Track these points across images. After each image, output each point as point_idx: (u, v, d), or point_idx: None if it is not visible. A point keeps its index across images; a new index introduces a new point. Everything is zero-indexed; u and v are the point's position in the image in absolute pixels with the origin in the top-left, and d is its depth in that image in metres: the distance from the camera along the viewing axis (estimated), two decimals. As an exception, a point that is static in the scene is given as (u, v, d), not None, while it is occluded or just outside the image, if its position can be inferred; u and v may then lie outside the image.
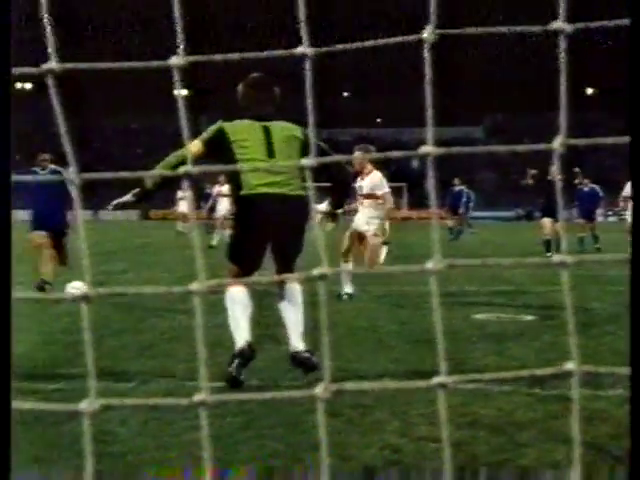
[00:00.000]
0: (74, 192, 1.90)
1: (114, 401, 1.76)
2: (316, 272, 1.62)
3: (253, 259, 6.57)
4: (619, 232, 22.51)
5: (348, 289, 12.29)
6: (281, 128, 6.62)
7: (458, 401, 5.57)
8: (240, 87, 6.86)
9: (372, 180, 12.62)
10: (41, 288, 11.99)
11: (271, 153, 6.48)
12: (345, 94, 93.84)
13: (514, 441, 4.89)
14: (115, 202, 6.72)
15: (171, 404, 5.19)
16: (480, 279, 14.58)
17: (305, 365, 6.35)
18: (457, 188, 33.91)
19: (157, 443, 4.81)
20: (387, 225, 13.35)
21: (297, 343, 6.43)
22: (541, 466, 4.41)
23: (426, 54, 1.50)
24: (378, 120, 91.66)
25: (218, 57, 1.49)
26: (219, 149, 6.45)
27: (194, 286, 1.59)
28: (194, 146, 6.34)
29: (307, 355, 6.36)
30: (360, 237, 12.82)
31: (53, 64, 1.48)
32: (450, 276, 13.50)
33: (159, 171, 6.79)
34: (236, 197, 6.57)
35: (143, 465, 4.44)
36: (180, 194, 33.00)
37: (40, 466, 4.40)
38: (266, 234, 6.54)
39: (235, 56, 1.50)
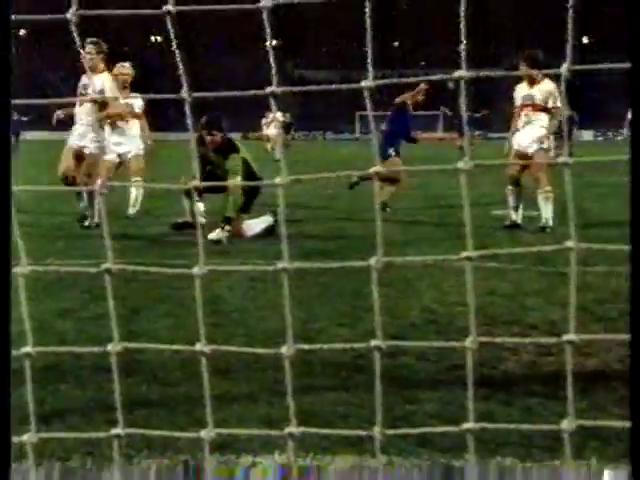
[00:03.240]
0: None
1: (220, 268, 1.95)
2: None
3: None
4: None
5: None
6: None
7: (479, 275, 6.00)
8: None
9: (546, 88, 9.28)
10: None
11: None
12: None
13: (523, 306, 5.41)
14: None
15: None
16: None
17: None
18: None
19: (256, 304, 5.37)
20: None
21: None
22: (543, 324, 4.87)
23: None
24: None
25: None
26: None
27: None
28: None
29: None
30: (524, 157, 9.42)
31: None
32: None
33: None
34: None
35: (246, 322, 4.88)
36: (264, 120, 31.91)
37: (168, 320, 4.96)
38: None
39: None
